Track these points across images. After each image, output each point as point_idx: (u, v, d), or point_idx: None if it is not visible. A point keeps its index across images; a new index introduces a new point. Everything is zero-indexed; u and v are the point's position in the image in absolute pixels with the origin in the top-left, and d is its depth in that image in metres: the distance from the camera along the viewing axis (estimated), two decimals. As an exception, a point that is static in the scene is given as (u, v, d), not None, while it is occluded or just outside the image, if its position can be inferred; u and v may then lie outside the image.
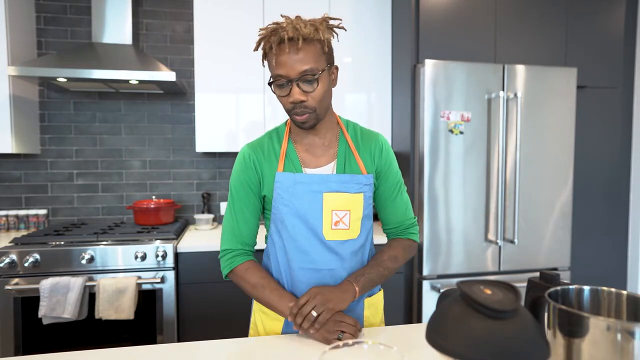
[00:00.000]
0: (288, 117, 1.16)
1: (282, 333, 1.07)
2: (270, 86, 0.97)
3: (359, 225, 1.06)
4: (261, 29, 0.95)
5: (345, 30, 1.02)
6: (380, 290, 1.18)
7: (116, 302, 1.86)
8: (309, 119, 0.97)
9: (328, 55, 0.97)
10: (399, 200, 1.13)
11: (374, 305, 1.14)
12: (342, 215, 1.03)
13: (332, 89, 1.03)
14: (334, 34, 0.98)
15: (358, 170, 1.06)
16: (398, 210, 1.13)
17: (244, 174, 1.05)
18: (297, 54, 0.91)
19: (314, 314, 0.92)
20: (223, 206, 2.68)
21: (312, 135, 1.06)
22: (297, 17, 0.94)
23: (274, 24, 0.94)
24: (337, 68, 1.03)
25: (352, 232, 1.05)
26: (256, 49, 0.97)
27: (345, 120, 1.12)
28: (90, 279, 1.89)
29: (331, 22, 1.19)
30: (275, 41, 0.91)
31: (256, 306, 1.13)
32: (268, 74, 2.37)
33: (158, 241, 2.02)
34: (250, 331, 1.15)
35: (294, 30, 0.91)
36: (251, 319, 1.16)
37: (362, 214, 1.06)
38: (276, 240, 1.07)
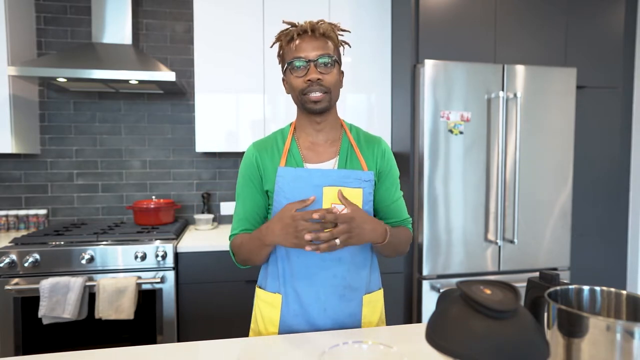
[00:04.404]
0: (290, 122, 1.22)
1: (280, 322, 1.09)
2: (287, 73, 1.05)
3: None
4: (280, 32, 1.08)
5: (348, 43, 1.12)
6: (380, 288, 1.19)
7: (116, 302, 1.86)
8: (323, 99, 1.03)
9: (339, 56, 1.08)
10: (399, 201, 1.17)
11: (372, 302, 1.14)
12: (341, 209, 1.04)
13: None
14: (342, 45, 1.10)
15: (359, 167, 1.10)
16: (399, 209, 1.17)
17: (248, 171, 1.12)
18: (317, 42, 1.02)
19: (337, 242, 0.90)
20: (223, 206, 2.68)
21: (317, 133, 1.10)
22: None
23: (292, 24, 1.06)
24: (343, 73, 1.11)
25: None
26: (273, 44, 1.10)
27: (348, 124, 1.18)
28: (90, 279, 1.89)
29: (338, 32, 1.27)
30: (297, 31, 1.03)
31: (257, 297, 1.15)
32: (268, 74, 2.37)
33: (158, 241, 2.02)
34: (252, 324, 1.17)
35: (313, 26, 1.03)
36: (252, 313, 1.18)
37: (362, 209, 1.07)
38: None
